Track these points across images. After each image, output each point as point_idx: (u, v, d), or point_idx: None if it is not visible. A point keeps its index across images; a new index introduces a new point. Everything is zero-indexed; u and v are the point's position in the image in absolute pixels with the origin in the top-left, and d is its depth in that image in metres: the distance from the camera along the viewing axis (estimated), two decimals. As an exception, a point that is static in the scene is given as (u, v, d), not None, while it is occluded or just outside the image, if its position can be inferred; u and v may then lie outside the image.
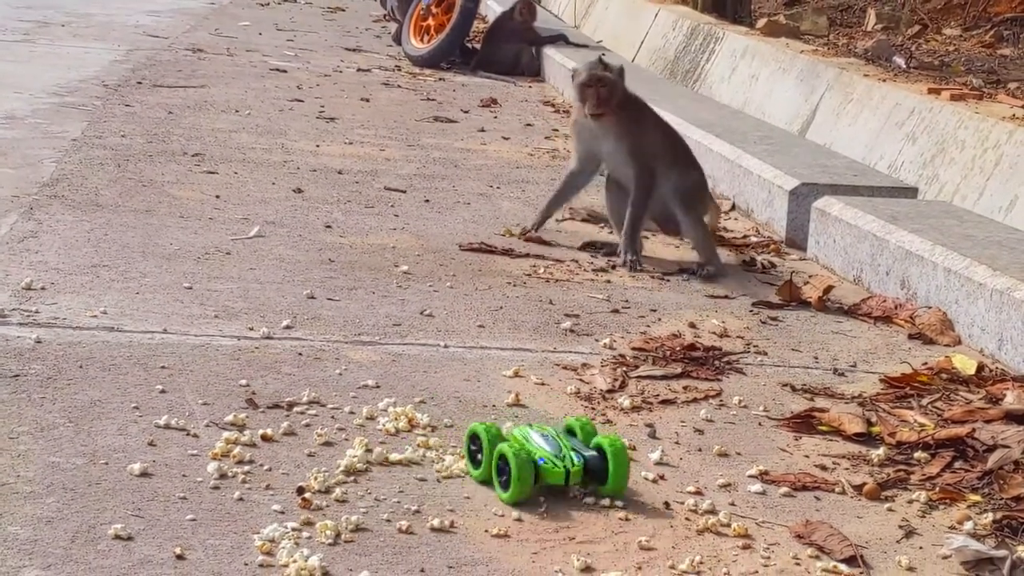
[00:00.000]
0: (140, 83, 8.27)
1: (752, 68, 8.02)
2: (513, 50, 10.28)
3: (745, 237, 5.57)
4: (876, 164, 6.12)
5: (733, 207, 6.09)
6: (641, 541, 2.78)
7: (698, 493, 3.04)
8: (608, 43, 10.83)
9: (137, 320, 3.88)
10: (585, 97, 5.01)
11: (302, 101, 8.11)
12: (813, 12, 11.00)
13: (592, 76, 5.01)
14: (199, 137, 6.68)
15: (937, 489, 3.14)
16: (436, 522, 2.79)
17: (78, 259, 4.43)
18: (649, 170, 5.01)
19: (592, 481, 2.97)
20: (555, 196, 5.34)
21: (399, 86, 9.20)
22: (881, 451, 3.33)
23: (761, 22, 9.49)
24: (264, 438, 3.13)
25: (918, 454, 3.33)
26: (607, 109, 5.00)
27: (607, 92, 4.99)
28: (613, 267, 4.93)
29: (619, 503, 2.94)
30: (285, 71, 9.37)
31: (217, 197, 5.48)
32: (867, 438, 3.43)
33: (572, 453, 2.96)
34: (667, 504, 2.97)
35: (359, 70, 9.82)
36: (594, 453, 2.98)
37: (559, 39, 10.49)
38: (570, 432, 3.13)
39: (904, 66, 7.38)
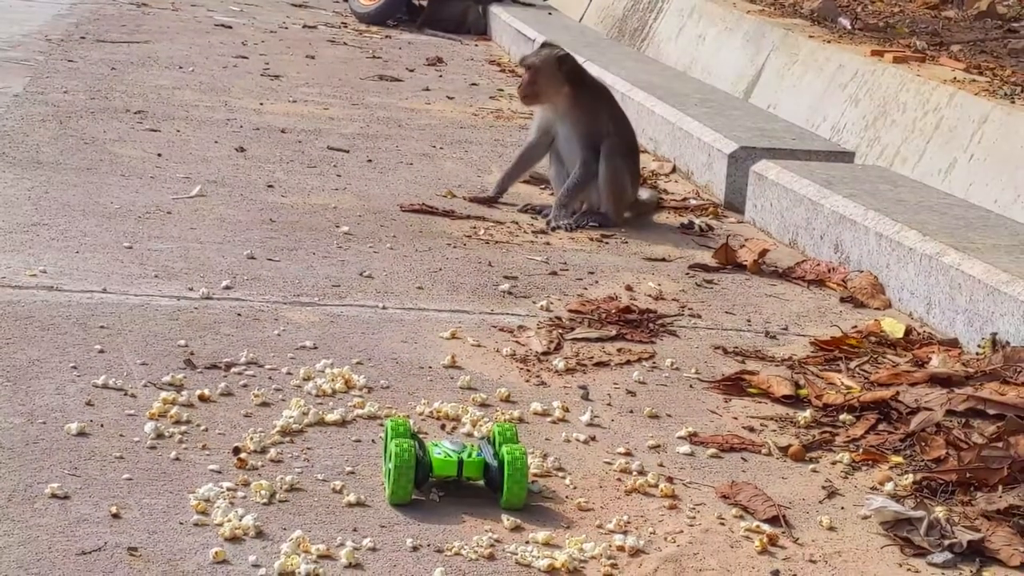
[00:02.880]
0: (83, 38, 8.23)
1: (699, 28, 8.07)
2: (460, 8, 10.29)
3: (684, 199, 5.64)
4: (819, 126, 6.20)
5: (674, 169, 6.15)
6: (570, 501, 2.84)
7: (628, 454, 3.11)
8: (556, 2, 10.84)
9: (76, 279, 3.89)
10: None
11: (247, 58, 8.10)
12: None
13: (521, 60, 5.12)
14: (142, 94, 6.67)
15: (860, 451, 3.22)
16: (370, 483, 2.84)
17: (18, 217, 4.44)
18: (595, 154, 5.07)
19: (492, 489, 2.82)
20: (513, 167, 5.37)
21: (345, 43, 9.19)
22: (808, 413, 3.41)
23: (707, -18, 9.51)
24: (201, 398, 3.17)
25: (843, 416, 3.41)
26: (531, 93, 5.11)
27: (532, 77, 5.07)
28: (553, 229, 4.98)
29: (557, 471, 3.00)
30: (230, 27, 9.34)
31: (159, 155, 5.48)
32: (795, 400, 3.51)
33: (475, 450, 2.83)
34: (597, 465, 3.03)
35: (305, 27, 9.80)
36: (495, 463, 2.81)
37: (506, -2, 10.51)
38: (491, 442, 2.91)
39: (849, 27, 7.44)
